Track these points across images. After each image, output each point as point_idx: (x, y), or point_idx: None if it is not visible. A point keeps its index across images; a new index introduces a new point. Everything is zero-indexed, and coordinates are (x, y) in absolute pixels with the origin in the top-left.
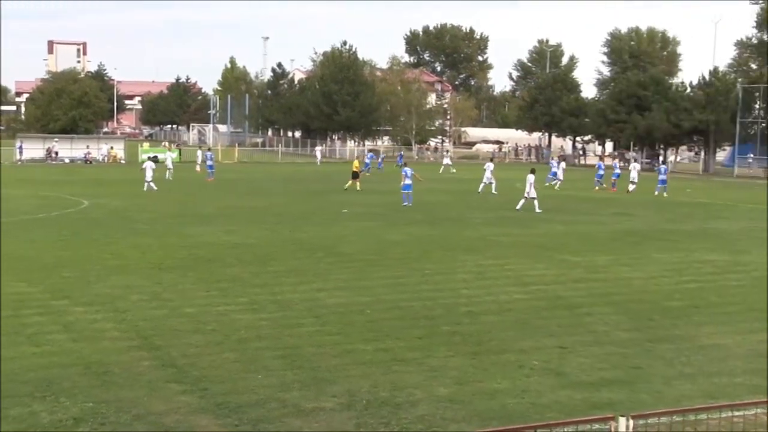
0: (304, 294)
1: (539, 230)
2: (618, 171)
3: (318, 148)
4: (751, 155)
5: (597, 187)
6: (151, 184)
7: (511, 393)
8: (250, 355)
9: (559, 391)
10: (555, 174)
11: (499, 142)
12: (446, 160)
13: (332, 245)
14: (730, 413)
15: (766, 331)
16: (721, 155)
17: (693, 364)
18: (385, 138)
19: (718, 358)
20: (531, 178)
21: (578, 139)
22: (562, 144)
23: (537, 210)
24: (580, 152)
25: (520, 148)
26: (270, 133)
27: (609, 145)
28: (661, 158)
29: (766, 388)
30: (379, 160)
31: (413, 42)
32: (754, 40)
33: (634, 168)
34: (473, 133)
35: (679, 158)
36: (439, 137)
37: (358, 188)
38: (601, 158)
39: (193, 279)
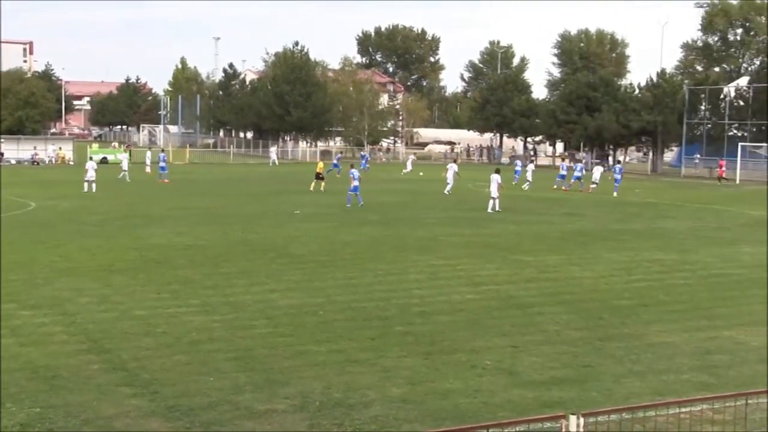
0: (256, 295)
1: (491, 230)
2: (579, 174)
3: (273, 149)
4: (698, 155)
5: (555, 186)
6: (92, 184)
7: (463, 393)
8: (202, 357)
9: (511, 390)
10: (519, 173)
11: (451, 143)
12: (409, 164)
13: (284, 246)
14: (677, 410)
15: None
16: (669, 155)
17: (642, 361)
18: (338, 139)
19: (666, 355)
20: (497, 177)
21: (529, 139)
22: (513, 144)
23: (489, 210)
24: (532, 153)
25: (471, 149)
26: (222, 134)
27: (560, 146)
28: (616, 159)
29: (711, 384)
30: (363, 161)
31: (365, 43)
32: (700, 43)
33: (597, 170)
34: (425, 133)
35: (627, 158)
36: (392, 138)
37: (321, 189)
38: (563, 159)
39: (143, 281)
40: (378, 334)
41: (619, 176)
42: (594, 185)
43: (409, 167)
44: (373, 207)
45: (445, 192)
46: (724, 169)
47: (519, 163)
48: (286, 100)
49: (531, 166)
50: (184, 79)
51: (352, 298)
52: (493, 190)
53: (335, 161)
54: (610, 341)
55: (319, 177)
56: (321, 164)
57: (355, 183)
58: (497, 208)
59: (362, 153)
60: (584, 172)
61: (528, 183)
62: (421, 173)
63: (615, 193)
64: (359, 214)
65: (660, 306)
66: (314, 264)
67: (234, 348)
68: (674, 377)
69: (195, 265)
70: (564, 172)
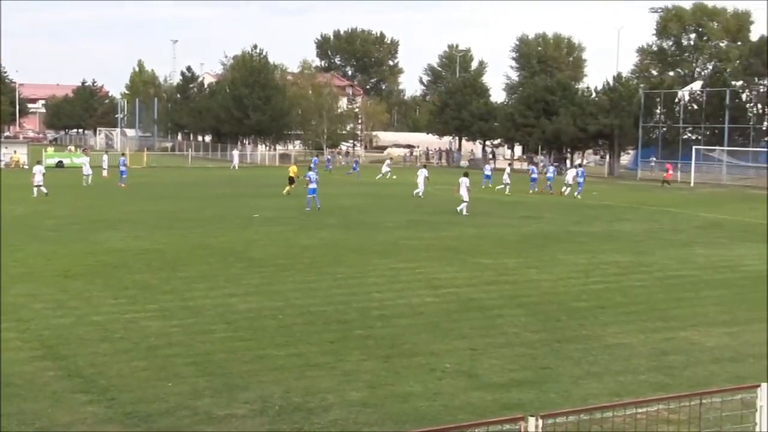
0: (215, 299)
1: (451, 233)
2: (551, 175)
3: (235, 153)
4: (653, 158)
5: (532, 191)
6: (42, 188)
7: (423, 396)
8: (160, 362)
9: (470, 392)
10: (488, 177)
11: (410, 146)
12: (384, 167)
13: (243, 250)
14: (634, 410)
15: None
16: (625, 158)
17: (599, 363)
18: (297, 142)
19: (622, 356)
20: (465, 181)
21: (488, 143)
22: (472, 148)
23: (458, 211)
24: (490, 156)
25: (431, 152)
26: (180, 137)
27: (518, 149)
28: (579, 163)
29: (667, 385)
30: (354, 164)
31: (324, 46)
32: (655, 48)
33: (570, 173)
34: (384, 137)
35: (585, 161)
36: (351, 141)
37: (287, 192)
38: (531, 162)
39: (100, 286)
40: (338, 338)
41: (581, 179)
42: (567, 188)
43: (385, 169)
44: (332, 210)
45: (415, 193)
46: (671, 172)
47: (488, 167)
48: (245, 103)
49: (508, 169)
50: (142, 82)
51: (312, 301)
52: (463, 194)
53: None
54: (567, 343)
55: (291, 181)
56: (294, 168)
57: (313, 185)
58: (464, 213)
59: (327, 156)
60: (556, 174)
61: (507, 185)
62: (394, 176)
63: (578, 195)
64: (319, 218)
65: (617, 308)
66: (273, 268)
67: (193, 353)
68: (631, 378)
69: (153, 270)
70: (535, 176)
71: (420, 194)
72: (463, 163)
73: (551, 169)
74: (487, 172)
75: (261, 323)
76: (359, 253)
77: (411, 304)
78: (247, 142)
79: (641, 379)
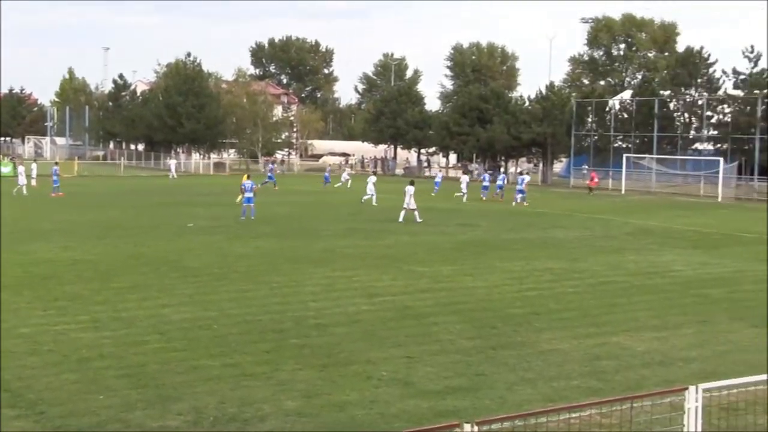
0: (148, 310)
1: (386, 241)
2: (501, 183)
3: (172, 162)
4: (586, 166)
5: (485, 198)
6: None
7: (359, 404)
8: (92, 375)
9: (406, 400)
10: (438, 185)
11: (345, 155)
12: (345, 176)
13: (177, 259)
14: (567, 415)
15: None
16: (558, 166)
17: (533, 369)
18: (231, 151)
19: (556, 362)
20: (411, 189)
21: (423, 151)
22: (408, 156)
23: (418, 220)
24: (425, 164)
25: (366, 160)
26: (112, 146)
27: (453, 157)
28: (520, 170)
29: (600, 389)
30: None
31: (259, 54)
32: (586, 57)
33: (522, 180)
34: (320, 145)
35: (519, 169)
36: (286, 150)
37: (237, 201)
38: (485, 170)
39: (28, 297)
40: (273, 347)
41: (521, 187)
42: (520, 195)
43: (344, 177)
44: (268, 219)
45: (364, 200)
46: (596, 180)
47: (439, 174)
48: (179, 111)
49: (465, 178)
50: (72, 89)
51: (247, 311)
52: (409, 202)
53: (269, 173)
54: (502, 349)
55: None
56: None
57: (248, 194)
58: (418, 219)
59: (270, 165)
60: (506, 181)
61: (464, 194)
62: (340, 185)
63: (515, 203)
64: (254, 227)
65: (550, 314)
66: (208, 277)
67: (125, 365)
68: (564, 383)
69: (84, 281)
70: (487, 183)
71: (371, 201)
72: (399, 171)
73: (502, 176)
74: (438, 180)
75: (195, 333)
76: (295, 262)
77: (347, 312)
78: (180, 151)
79: (574, 385)
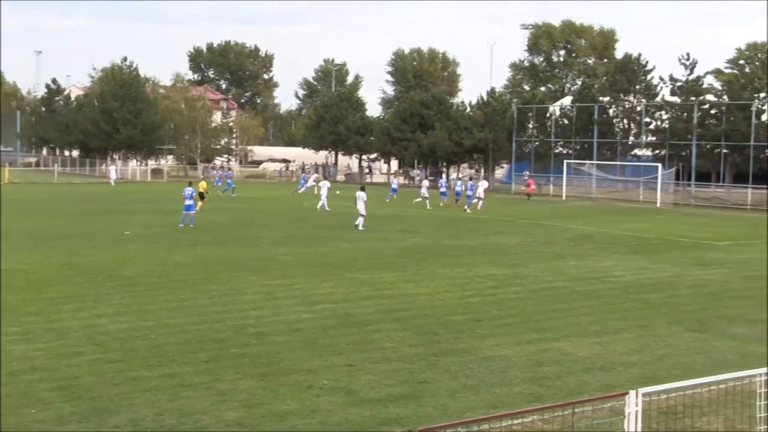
0: (83, 321)
1: (327, 248)
2: (459, 189)
3: (112, 168)
4: (527, 172)
5: (458, 204)
6: None
7: (300, 414)
8: (23, 388)
9: (348, 409)
10: (395, 191)
11: (286, 161)
12: (311, 182)
13: (113, 268)
14: (510, 422)
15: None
16: (500, 172)
17: (476, 375)
18: (169, 157)
19: (498, 368)
20: (362, 195)
21: (364, 157)
22: (349, 162)
23: (356, 225)
24: (366, 170)
25: (307, 167)
26: (45, 152)
27: (394, 163)
28: (468, 175)
29: (541, 395)
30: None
31: (197, 59)
32: (526, 63)
33: (482, 185)
34: (260, 151)
35: (460, 175)
36: (225, 156)
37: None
38: (440, 176)
39: None
40: (212, 357)
41: (470, 193)
42: (480, 201)
43: (311, 183)
44: (206, 227)
45: (319, 207)
46: (533, 187)
47: (395, 181)
48: (115, 117)
49: (426, 183)
50: (2, 94)
51: (185, 320)
52: (360, 208)
53: (229, 180)
54: (444, 356)
55: (201, 197)
56: (203, 184)
57: (189, 202)
58: (360, 228)
59: (228, 172)
60: (464, 188)
61: (425, 199)
62: (337, 191)
63: (467, 210)
64: (192, 234)
65: (493, 320)
66: (145, 286)
67: (58, 377)
68: (506, 390)
69: (15, 291)
70: (444, 189)
71: (320, 207)
72: (340, 177)
73: (459, 183)
74: (394, 186)
75: (132, 344)
76: (234, 270)
77: (287, 320)
78: (117, 157)
79: (516, 391)
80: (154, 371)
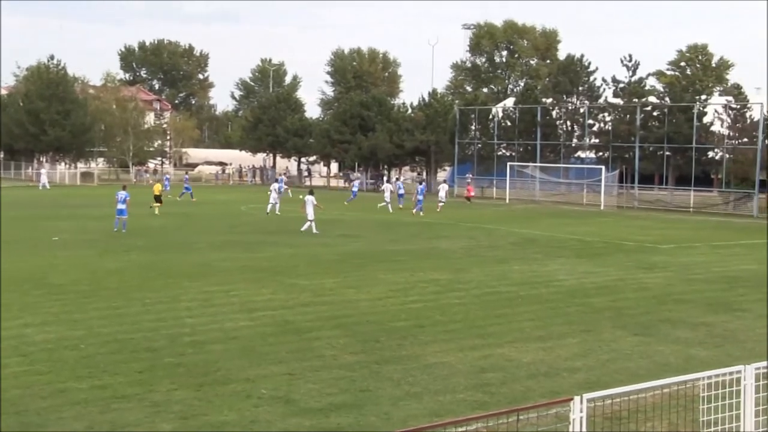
0: (8, 331)
1: (266, 254)
2: (420, 196)
3: (43, 171)
4: (470, 175)
5: (401, 206)
6: None
7: (239, 424)
8: None
9: (288, 419)
10: (355, 194)
11: (222, 164)
12: (282, 185)
13: (41, 276)
14: (453, 430)
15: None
16: (443, 175)
17: (419, 383)
18: (100, 160)
19: (442, 376)
20: (311, 198)
21: (303, 159)
22: (287, 165)
23: (305, 229)
24: (306, 173)
25: (244, 170)
26: None
27: (334, 166)
28: (418, 178)
29: (486, 403)
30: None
31: (129, 58)
32: (469, 64)
33: (443, 188)
34: (195, 154)
35: (402, 178)
36: (159, 159)
37: (156, 212)
38: (380, 178)
39: None
40: (146, 367)
41: (421, 196)
42: (441, 203)
43: (282, 187)
44: (141, 232)
45: (269, 210)
46: (473, 193)
47: (356, 183)
48: (42, 118)
49: (389, 186)
50: None
51: (118, 329)
52: (309, 212)
53: (186, 184)
54: (387, 364)
55: (158, 199)
56: (159, 186)
57: (121, 206)
58: (315, 230)
59: (185, 176)
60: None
61: (388, 204)
62: (300, 196)
63: (416, 211)
64: (125, 240)
65: (436, 326)
66: (75, 294)
67: None
68: (450, 397)
69: None
70: (402, 191)
71: (272, 211)
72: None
73: (420, 188)
74: (355, 189)
75: (60, 354)
76: (169, 277)
77: (224, 328)
78: (44, 160)
79: (460, 398)
80: (84, 383)
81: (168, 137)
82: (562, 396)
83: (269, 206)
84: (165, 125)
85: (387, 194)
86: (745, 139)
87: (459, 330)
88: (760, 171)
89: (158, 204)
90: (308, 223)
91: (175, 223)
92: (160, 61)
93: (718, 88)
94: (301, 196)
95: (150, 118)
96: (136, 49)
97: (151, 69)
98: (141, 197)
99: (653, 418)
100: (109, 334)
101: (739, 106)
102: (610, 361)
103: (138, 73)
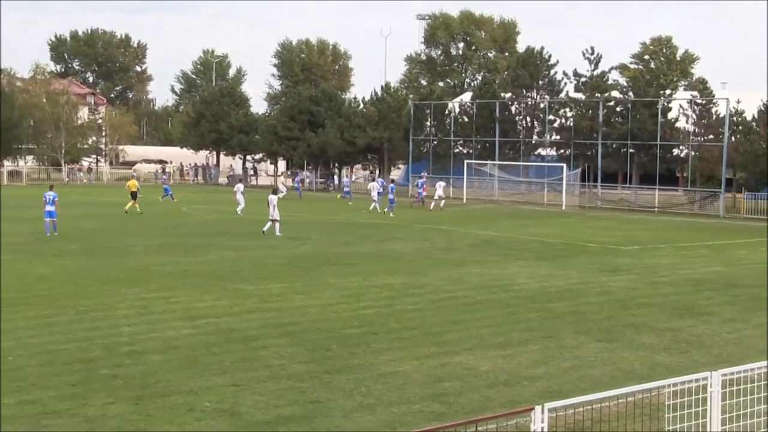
0: None
1: (208, 257)
2: (392, 196)
3: None
4: (424, 174)
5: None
6: None
7: None
8: None
9: None
10: (348, 193)
11: (162, 162)
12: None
13: None
14: None
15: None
16: (396, 173)
17: (372, 394)
18: (29, 158)
19: (396, 385)
20: (273, 198)
21: (249, 157)
22: (232, 163)
23: (278, 233)
24: (252, 172)
25: (186, 168)
26: None
27: (282, 164)
28: (390, 176)
29: (443, 413)
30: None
31: (60, 49)
32: (423, 56)
33: (440, 185)
34: (133, 151)
35: (354, 177)
36: (94, 156)
37: (138, 210)
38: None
39: None
40: (80, 380)
41: (392, 196)
42: (439, 199)
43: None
44: (73, 234)
45: (239, 211)
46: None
47: (347, 180)
48: None
49: (375, 185)
50: None
51: (49, 339)
52: (272, 212)
53: (165, 186)
54: (338, 374)
55: (134, 196)
56: (134, 182)
57: (49, 208)
58: (278, 233)
59: (163, 176)
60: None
61: (374, 204)
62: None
63: (388, 211)
64: (56, 243)
65: (390, 333)
66: (1, 303)
67: None
68: (405, 408)
69: None
70: (380, 190)
71: (240, 212)
72: (222, 180)
73: (391, 187)
74: (347, 189)
75: None
76: (105, 282)
77: (165, 337)
78: None
79: (416, 409)
80: (11, 398)
81: (103, 133)
82: (523, 406)
83: (239, 207)
84: (100, 121)
85: (374, 193)
86: (711, 136)
87: (414, 337)
88: (726, 169)
89: (135, 201)
90: (270, 224)
91: (111, 225)
92: (94, 51)
93: (683, 83)
94: (237, 190)
95: (83, 113)
96: (68, 38)
97: (85, 60)
98: (73, 197)
99: (617, 427)
100: (39, 345)
101: (704, 102)
102: (572, 369)
103: (70, 65)
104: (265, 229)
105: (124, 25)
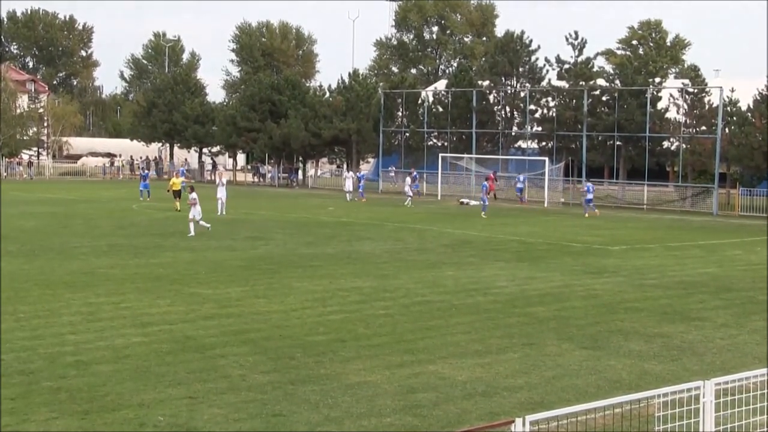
0: None
1: (162, 259)
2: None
3: None
4: (393, 168)
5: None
6: None
7: None
8: None
9: None
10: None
11: (110, 155)
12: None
13: None
14: None
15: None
16: (366, 167)
17: (340, 405)
18: None
19: (366, 397)
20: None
21: (205, 150)
22: (187, 157)
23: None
24: (209, 166)
25: (136, 162)
26: None
27: (241, 157)
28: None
29: (416, 427)
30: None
31: None
32: (394, 41)
33: (407, 182)
34: (78, 143)
35: (319, 172)
36: (35, 149)
37: (178, 208)
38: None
39: None
40: (20, 393)
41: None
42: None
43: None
44: (10, 234)
45: (219, 214)
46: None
47: (348, 174)
48: None
49: (408, 180)
50: None
51: None
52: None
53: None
54: (303, 384)
55: (177, 195)
56: (176, 181)
57: None
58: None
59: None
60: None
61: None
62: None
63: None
64: None
65: (359, 340)
66: None
67: None
68: (376, 421)
69: None
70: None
71: (222, 213)
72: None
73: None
74: (349, 186)
75: None
76: (47, 287)
77: (114, 346)
78: None
79: (387, 422)
80: None
81: (45, 124)
82: (502, 418)
83: (219, 209)
84: (41, 110)
85: (407, 188)
86: (704, 128)
87: (385, 344)
88: (719, 163)
89: (178, 200)
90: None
91: (54, 224)
92: (34, 34)
93: (673, 70)
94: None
95: (23, 102)
96: (5, 20)
97: (24, 44)
98: (12, 194)
99: None
100: None
101: (696, 91)
102: (555, 378)
103: (7, 49)
104: (208, 225)
105: (67, 5)
